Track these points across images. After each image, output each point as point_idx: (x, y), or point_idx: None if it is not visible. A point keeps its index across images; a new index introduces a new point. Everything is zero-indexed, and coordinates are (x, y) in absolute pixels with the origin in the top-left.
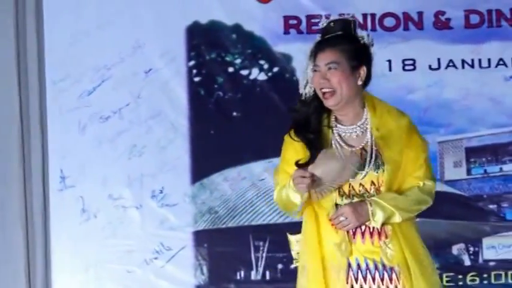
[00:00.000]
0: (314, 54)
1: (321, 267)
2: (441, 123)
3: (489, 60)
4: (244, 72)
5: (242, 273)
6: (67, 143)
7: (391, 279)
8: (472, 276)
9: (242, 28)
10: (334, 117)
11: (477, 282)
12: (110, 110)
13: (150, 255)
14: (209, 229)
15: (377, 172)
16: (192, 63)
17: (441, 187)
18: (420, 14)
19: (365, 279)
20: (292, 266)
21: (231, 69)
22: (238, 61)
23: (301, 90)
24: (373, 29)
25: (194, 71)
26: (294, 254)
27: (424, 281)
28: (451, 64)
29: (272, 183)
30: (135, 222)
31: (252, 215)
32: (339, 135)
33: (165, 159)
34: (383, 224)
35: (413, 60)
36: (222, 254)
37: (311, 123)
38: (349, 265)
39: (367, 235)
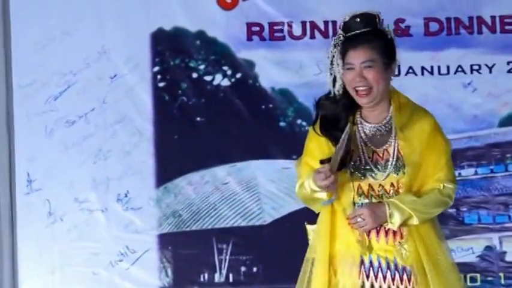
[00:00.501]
0: (344, 51)
1: (328, 260)
2: None
3: (448, 67)
4: (207, 78)
5: (206, 275)
6: (34, 147)
7: (401, 280)
8: None
9: (206, 34)
10: (359, 113)
11: None
12: (76, 115)
13: (115, 257)
14: (173, 232)
15: (397, 174)
16: (156, 69)
17: None
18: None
19: (376, 277)
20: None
21: (194, 75)
22: (201, 67)
23: (329, 87)
24: (334, 37)
25: (158, 77)
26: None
27: (441, 282)
28: (410, 71)
29: (235, 187)
30: (101, 225)
31: (216, 219)
32: (364, 133)
33: (130, 163)
34: (400, 226)
35: None
36: (186, 257)
37: (340, 122)
38: (362, 262)
39: (382, 234)
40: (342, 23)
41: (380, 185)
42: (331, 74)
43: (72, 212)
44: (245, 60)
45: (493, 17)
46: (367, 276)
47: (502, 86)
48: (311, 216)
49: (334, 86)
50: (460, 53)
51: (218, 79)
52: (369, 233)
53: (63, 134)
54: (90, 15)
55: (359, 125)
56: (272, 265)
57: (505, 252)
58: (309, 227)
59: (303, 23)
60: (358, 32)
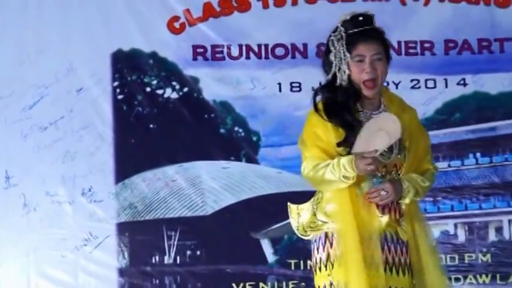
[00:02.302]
0: (353, 45)
1: (357, 234)
2: None
3: None
4: (159, 91)
5: (157, 257)
6: (11, 149)
7: (402, 252)
8: None
9: (158, 55)
10: (359, 103)
11: None
12: (48, 122)
13: (80, 242)
14: (129, 221)
15: (400, 156)
16: (116, 83)
17: None
18: (305, 45)
19: (382, 249)
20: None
21: (148, 89)
22: (154, 82)
23: (331, 77)
24: (267, 57)
25: (118, 90)
26: (293, 222)
27: (430, 253)
28: None
29: (182, 184)
30: (68, 215)
31: (165, 210)
32: (365, 119)
33: (93, 163)
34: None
35: (299, 83)
36: (140, 242)
37: (349, 107)
38: (380, 236)
39: (386, 210)
40: (343, 21)
41: (384, 166)
42: (335, 66)
43: (44, 203)
44: (191, 77)
45: (399, 42)
46: (381, 249)
47: (407, 100)
48: (245, 208)
49: (340, 76)
50: None
51: (168, 92)
52: (383, 209)
53: (37, 138)
54: (61, 37)
55: (361, 113)
56: (213, 249)
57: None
58: (293, 206)
59: (240, 46)
60: (367, 27)
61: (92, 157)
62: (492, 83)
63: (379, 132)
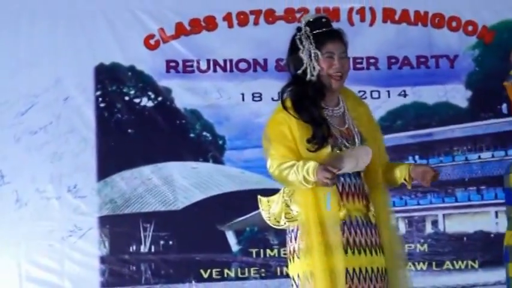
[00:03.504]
0: (321, 43)
1: (318, 222)
2: None
3: None
4: (136, 100)
5: (134, 247)
6: (5, 151)
7: (372, 234)
8: None
9: (135, 68)
10: (323, 101)
11: None
12: (38, 127)
13: (66, 233)
14: (110, 215)
15: (363, 144)
16: (98, 93)
17: (279, 186)
18: (265, 60)
19: (355, 232)
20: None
21: (127, 98)
22: (132, 92)
23: (302, 73)
24: (231, 71)
25: (100, 99)
26: (264, 213)
27: (393, 233)
28: None
29: (157, 182)
30: (56, 209)
31: (142, 205)
32: (328, 115)
33: (78, 163)
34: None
35: (260, 93)
36: (119, 233)
37: (317, 101)
38: (344, 221)
39: (355, 196)
40: (307, 21)
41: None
42: (305, 63)
43: (34, 199)
44: (164, 88)
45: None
46: (349, 233)
47: None
48: (212, 204)
49: (310, 72)
50: None
51: (144, 101)
52: (347, 196)
53: (28, 141)
54: (49, 52)
55: (324, 109)
56: (183, 239)
57: None
58: (263, 198)
59: (208, 61)
60: (331, 28)
61: (77, 158)
62: (429, 94)
63: (352, 157)
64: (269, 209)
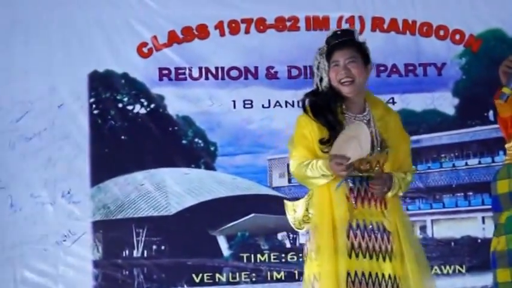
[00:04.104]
0: (330, 54)
1: (331, 225)
2: (271, 146)
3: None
4: (130, 107)
5: (127, 251)
6: (0, 156)
7: (388, 240)
8: (291, 255)
9: (128, 75)
10: (344, 106)
11: (295, 259)
12: (33, 133)
13: (60, 238)
14: (103, 220)
15: (381, 153)
16: (92, 100)
17: (270, 191)
18: (256, 68)
19: (369, 238)
20: (302, 232)
21: (120, 105)
22: (125, 99)
23: (315, 86)
24: (223, 78)
25: (94, 106)
26: (289, 217)
27: (409, 242)
28: (278, 104)
29: (149, 187)
30: (50, 214)
31: (135, 210)
32: (350, 121)
33: (72, 169)
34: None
35: (251, 100)
36: (113, 238)
37: (331, 107)
38: (357, 225)
39: (372, 202)
40: (326, 38)
41: (368, 162)
42: (317, 75)
43: (29, 204)
44: (157, 95)
45: None
46: (362, 237)
47: None
48: (204, 209)
49: (321, 83)
50: None
51: (137, 108)
52: (362, 201)
53: (23, 147)
54: (44, 59)
55: (345, 115)
56: (175, 244)
57: None
58: (288, 203)
59: (200, 68)
60: (341, 39)
61: (71, 164)
62: (417, 102)
63: (352, 141)
64: (294, 214)
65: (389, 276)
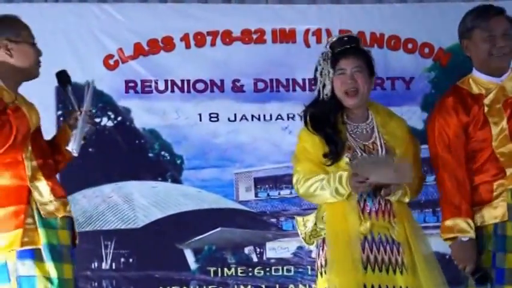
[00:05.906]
0: (335, 61)
1: (346, 238)
2: (237, 159)
3: (271, 115)
4: (97, 120)
5: (96, 264)
6: None
7: (398, 252)
8: (258, 269)
9: (95, 88)
10: (345, 115)
11: (262, 274)
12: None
13: None
14: None
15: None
16: (59, 112)
17: (236, 205)
18: (222, 81)
19: (378, 250)
20: (305, 245)
21: None
22: (92, 111)
23: (316, 94)
24: (189, 91)
25: (61, 118)
26: (300, 232)
27: (421, 252)
28: (244, 117)
29: (117, 200)
30: None
31: (103, 223)
32: (352, 130)
33: None
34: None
35: (217, 114)
36: (81, 250)
37: (330, 119)
38: (365, 238)
39: (380, 213)
40: (330, 43)
41: None
42: (320, 81)
43: None
44: (124, 107)
45: (303, 79)
46: (371, 250)
47: None
48: (171, 222)
49: (323, 90)
50: (280, 105)
51: (104, 121)
52: (369, 213)
53: None
54: None
55: (347, 125)
56: (143, 257)
57: (311, 251)
58: (299, 218)
59: (166, 81)
60: (348, 46)
61: None
62: None
63: (389, 169)
64: (305, 229)
65: None
